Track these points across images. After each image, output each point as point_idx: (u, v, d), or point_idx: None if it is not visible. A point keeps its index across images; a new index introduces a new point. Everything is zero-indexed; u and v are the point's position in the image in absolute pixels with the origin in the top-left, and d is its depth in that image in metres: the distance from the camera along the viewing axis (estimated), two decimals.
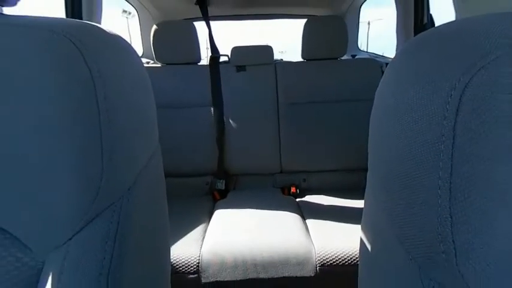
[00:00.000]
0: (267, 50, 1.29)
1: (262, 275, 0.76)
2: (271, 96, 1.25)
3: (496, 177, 0.17)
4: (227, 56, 1.31)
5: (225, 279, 0.76)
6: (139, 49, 1.68)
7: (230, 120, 1.23)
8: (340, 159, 1.21)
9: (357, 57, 1.61)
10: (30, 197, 0.22)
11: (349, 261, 0.76)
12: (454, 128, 0.17)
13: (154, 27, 1.21)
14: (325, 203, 1.08)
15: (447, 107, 0.18)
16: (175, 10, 1.54)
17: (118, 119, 0.26)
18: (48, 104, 0.22)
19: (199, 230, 0.90)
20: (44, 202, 0.23)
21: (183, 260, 0.77)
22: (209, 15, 1.35)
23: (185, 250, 0.79)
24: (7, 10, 0.30)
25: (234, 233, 0.86)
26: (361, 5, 1.58)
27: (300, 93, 1.23)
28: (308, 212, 1.01)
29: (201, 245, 0.82)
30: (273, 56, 1.31)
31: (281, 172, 1.25)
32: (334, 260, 0.77)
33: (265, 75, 1.27)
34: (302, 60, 1.29)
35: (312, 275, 0.76)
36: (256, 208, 1.00)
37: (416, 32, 1.10)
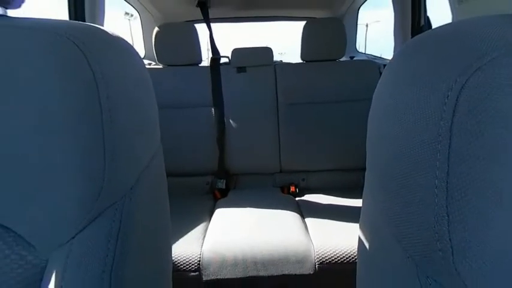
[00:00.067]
0: (267, 51, 1.30)
1: (262, 273, 0.76)
2: (271, 96, 1.25)
3: (492, 177, 0.17)
4: (227, 57, 1.31)
5: (226, 277, 0.76)
6: (141, 51, 1.68)
7: (230, 121, 1.23)
8: (338, 158, 1.21)
9: (355, 58, 1.61)
10: (34, 196, 0.22)
11: (348, 259, 0.77)
12: (451, 128, 0.17)
13: (156, 29, 1.21)
14: (324, 202, 1.08)
15: (444, 107, 0.18)
16: (177, 12, 1.54)
17: (120, 119, 0.26)
18: (51, 105, 0.22)
19: (200, 228, 0.90)
20: (48, 201, 0.23)
21: (184, 258, 0.77)
22: (210, 17, 1.35)
23: (186, 248, 0.79)
24: (11, 12, 0.30)
25: (234, 231, 0.86)
26: (359, 7, 1.59)
27: (299, 94, 1.23)
28: (307, 210, 1.01)
29: (202, 244, 0.82)
30: (272, 58, 1.31)
31: (280, 172, 1.25)
32: (333, 258, 0.77)
33: (265, 76, 1.27)
34: (301, 61, 1.29)
35: (311, 272, 0.76)
36: (256, 207, 1.00)
37: (413, 34, 1.10)
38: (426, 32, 0.23)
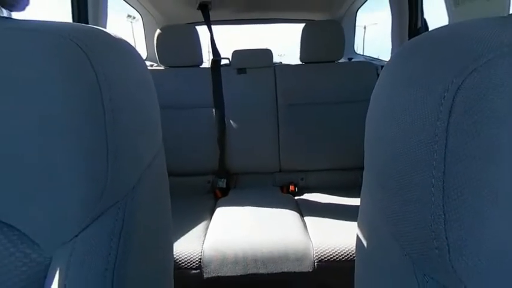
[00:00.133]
0: (267, 53, 1.30)
1: (262, 271, 0.76)
2: (271, 97, 1.25)
3: (488, 176, 0.17)
4: (228, 59, 1.32)
5: (226, 275, 0.76)
6: (143, 52, 1.68)
7: (231, 121, 1.23)
8: (337, 158, 1.21)
9: (353, 60, 1.61)
10: (38, 195, 0.22)
11: (346, 257, 0.77)
12: (447, 128, 0.17)
13: (158, 31, 1.21)
14: (323, 201, 1.08)
15: (440, 108, 0.18)
16: (178, 15, 1.54)
17: (123, 120, 0.26)
18: (55, 106, 0.22)
19: (201, 227, 0.90)
20: (52, 200, 0.23)
21: (185, 256, 0.77)
22: (211, 19, 1.35)
23: (188, 246, 0.79)
24: (16, 15, 0.30)
25: (234, 230, 0.86)
26: (357, 10, 1.59)
27: (298, 95, 1.23)
28: (306, 209, 1.01)
29: (203, 242, 0.82)
30: (272, 59, 1.31)
31: (280, 171, 1.25)
32: (332, 256, 0.77)
33: (265, 78, 1.27)
34: (300, 63, 1.29)
35: (310, 270, 0.76)
36: (256, 206, 1.00)
37: (410, 36, 1.10)
38: (423, 34, 0.23)
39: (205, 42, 1.48)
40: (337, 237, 0.81)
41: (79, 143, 0.22)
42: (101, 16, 1.02)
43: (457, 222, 0.17)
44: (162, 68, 1.30)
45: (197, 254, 0.78)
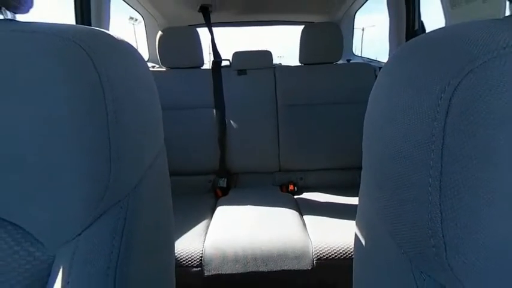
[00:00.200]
0: (267, 55, 1.30)
1: (261, 268, 0.76)
2: (271, 98, 1.25)
3: (484, 176, 0.17)
4: (228, 60, 1.32)
5: (227, 272, 0.76)
6: (145, 54, 1.68)
7: (231, 122, 1.24)
8: (335, 158, 1.21)
9: (351, 61, 1.61)
10: (42, 195, 0.22)
11: (344, 255, 0.77)
12: (444, 128, 0.17)
13: (160, 33, 1.22)
14: (322, 200, 1.08)
15: (437, 109, 0.18)
16: (180, 17, 1.54)
17: (125, 121, 0.26)
18: (58, 107, 0.22)
19: (202, 225, 0.90)
20: (55, 200, 0.23)
21: (186, 254, 0.77)
22: (212, 22, 1.35)
23: (189, 245, 0.80)
24: (20, 17, 0.30)
25: (235, 228, 0.86)
26: (355, 12, 1.58)
27: (297, 96, 1.23)
28: (305, 208, 1.01)
29: (204, 240, 0.82)
30: (272, 61, 1.31)
31: (280, 171, 1.25)
32: (330, 254, 0.77)
33: (265, 79, 1.27)
34: (300, 64, 1.29)
35: (309, 268, 0.76)
36: (256, 205, 1.00)
37: (408, 38, 1.10)
38: (420, 35, 0.23)
39: (206, 44, 1.48)
40: (336, 235, 0.81)
41: (82, 143, 0.22)
42: (104, 18, 1.02)
43: (454, 221, 0.17)
44: (164, 69, 1.30)
45: (198, 252, 0.78)
